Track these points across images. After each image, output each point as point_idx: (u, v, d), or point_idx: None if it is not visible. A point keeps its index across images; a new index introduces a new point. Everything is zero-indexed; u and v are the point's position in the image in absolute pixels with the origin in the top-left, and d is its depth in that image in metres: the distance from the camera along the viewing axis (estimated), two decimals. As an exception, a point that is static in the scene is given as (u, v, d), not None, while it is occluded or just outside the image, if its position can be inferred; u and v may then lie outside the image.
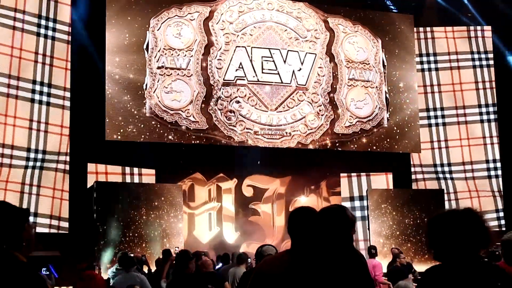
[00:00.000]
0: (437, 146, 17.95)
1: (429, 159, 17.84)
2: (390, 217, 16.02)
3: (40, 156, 14.17)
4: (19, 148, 13.88)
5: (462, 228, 3.08)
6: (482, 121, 18.02)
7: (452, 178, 17.82)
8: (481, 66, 18.19)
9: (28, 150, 14.00)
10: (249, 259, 11.43)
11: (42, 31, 14.43)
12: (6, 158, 13.70)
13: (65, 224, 14.36)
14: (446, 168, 17.81)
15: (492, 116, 18.04)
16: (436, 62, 18.19)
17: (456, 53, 18.20)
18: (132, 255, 11.30)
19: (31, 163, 14.00)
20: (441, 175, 17.83)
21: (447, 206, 17.24)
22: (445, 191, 17.48)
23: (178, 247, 13.48)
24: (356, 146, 16.74)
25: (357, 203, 16.93)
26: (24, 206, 13.57)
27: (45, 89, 14.35)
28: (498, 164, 17.94)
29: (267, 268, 3.83)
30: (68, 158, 14.46)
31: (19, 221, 3.29)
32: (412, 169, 17.86)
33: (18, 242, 3.24)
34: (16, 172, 13.82)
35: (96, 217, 13.71)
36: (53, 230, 14.12)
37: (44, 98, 14.32)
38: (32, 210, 13.78)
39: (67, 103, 14.58)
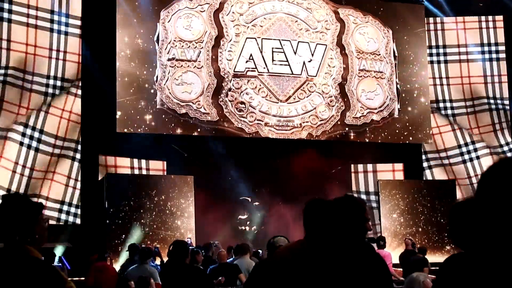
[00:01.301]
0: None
1: (440, 145, 17.74)
2: (401, 208, 16.00)
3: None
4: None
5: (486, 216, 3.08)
6: (491, 110, 17.87)
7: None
8: (490, 60, 18.03)
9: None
10: (260, 251, 11.45)
11: (55, 26, 14.50)
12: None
13: (77, 211, 14.44)
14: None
15: (500, 106, 17.90)
16: (445, 54, 18.07)
17: (466, 46, 18.07)
18: (143, 246, 11.35)
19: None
20: (453, 160, 17.72)
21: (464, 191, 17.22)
22: (466, 175, 17.43)
23: (189, 238, 13.54)
24: (367, 137, 16.69)
25: (367, 195, 16.93)
26: (37, 190, 13.78)
27: (59, 83, 14.44)
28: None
29: (280, 259, 3.83)
30: (79, 147, 14.54)
31: (33, 214, 3.33)
32: (424, 157, 17.78)
33: (31, 235, 3.27)
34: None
35: (107, 209, 13.77)
36: (63, 216, 14.20)
37: (57, 92, 14.42)
38: (45, 194, 13.95)
39: (79, 92, 14.65)
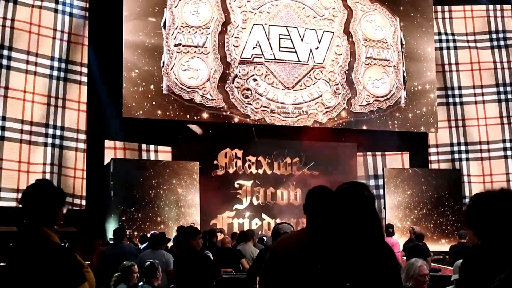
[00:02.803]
0: (455, 125, 17.85)
1: (446, 139, 17.76)
2: (406, 196, 16.02)
3: (58, 132, 14.28)
4: (37, 124, 13.99)
5: (505, 208, 3.13)
6: (499, 100, 17.88)
7: (467, 159, 17.72)
8: (499, 47, 18.02)
9: (47, 125, 14.12)
10: (265, 237, 11.47)
11: (60, 7, 14.49)
12: (26, 134, 13.82)
13: (83, 202, 14.50)
14: (462, 148, 17.71)
15: (510, 96, 17.90)
16: (454, 41, 18.04)
17: (474, 34, 18.04)
18: (155, 232, 11.42)
19: (50, 140, 14.12)
20: (456, 156, 17.74)
21: (466, 188, 17.25)
22: (465, 173, 17.51)
23: (194, 224, 13.58)
24: (373, 125, 16.66)
25: (372, 182, 16.97)
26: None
27: (63, 65, 14.44)
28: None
29: (283, 248, 3.84)
30: (84, 136, 14.57)
31: (60, 200, 3.45)
32: (429, 150, 17.79)
33: (54, 220, 3.40)
34: (37, 149, 13.95)
35: (113, 194, 13.82)
36: (71, 207, 14.27)
37: (62, 74, 14.42)
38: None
39: (84, 79, 14.68)
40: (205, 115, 15.28)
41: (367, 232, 3.18)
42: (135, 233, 13.43)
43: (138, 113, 14.75)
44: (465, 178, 17.53)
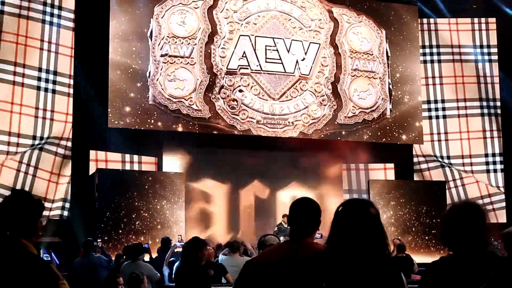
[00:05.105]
0: (437, 138, 17.90)
1: (430, 151, 17.82)
2: (391, 208, 16.07)
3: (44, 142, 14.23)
4: (25, 136, 13.91)
5: (476, 221, 3.20)
6: (482, 114, 17.96)
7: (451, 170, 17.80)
8: (483, 60, 18.10)
9: (34, 138, 14.04)
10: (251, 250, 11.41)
11: (48, 18, 14.45)
12: (13, 147, 13.74)
13: (59, 209, 14.35)
14: (446, 161, 17.79)
15: (492, 111, 17.97)
16: (439, 54, 18.12)
17: (459, 46, 18.12)
18: (134, 242, 11.35)
19: (36, 153, 14.08)
20: (446, 161, 17.79)
21: (453, 193, 17.28)
22: (451, 178, 17.51)
23: (181, 235, 13.54)
24: (358, 136, 16.70)
25: (357, 194, 16.98)
26: (19, 184, 13.70)
27: (51, 77, 14.38)
28: (498, 158, 17.86)
29: (266, 259, 3.85)
30: (69, 144, 14.49)
31: (38, 211, 3.45)
32: (415, 160, 17.81)
33: (32, 231, 3.39)
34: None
35: (97, 204, 13.77)
36: (45, 212, 14.15)
37: (50, 86, 14.36)
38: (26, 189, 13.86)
39: (72, 91, 14.63)
40: (191, 125, 15.25)
41: (372, 250, 3.17)
42: (117, 243, 13.36)
43: (123, 123, 14.70)
44: (458, 182, 17.56)
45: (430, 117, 17.93)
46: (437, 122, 17.95)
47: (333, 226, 3.25)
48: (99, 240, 12.55)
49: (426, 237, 15.99)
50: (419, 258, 13.65)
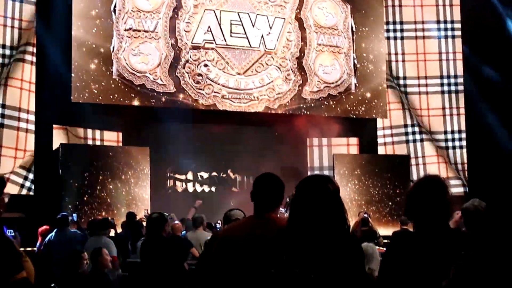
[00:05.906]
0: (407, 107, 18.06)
1: (400, 120, 17.94)
2: (355, 182, 16.24)
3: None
4: None
5: (438, 195, 3.29)
6: (443, 92, 18.11)
7: (422, 140, 17.95)
8: (446, 37, 18.20)
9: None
10: (217, 224, 11.48)
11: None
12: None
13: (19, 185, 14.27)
14: (416, 129, 17.93)
15: (453, 88, 18.11)
16: (402, 30, 18.17)
17: (422, 22, 18.18)
18: (99, 218, 11.36)
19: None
20: (410, 137, 17.94)
21: (414, 171, 17.49)
22: (414, 155, 17.73)
23: (147, 210, 13.54)
24: (323, 111, 16.78)
25: (321, 170, 17.11)
26: None
27: (14, 52, 14.24)
28: (457, 135, 18.03)
29: (231, 234, 3.89)
30: (31, 117, 14.35)
31: None
32: (381, 132, 17.92)
33: None
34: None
35: (61, 179, 13.67)
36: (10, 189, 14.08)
37: (7, 60, 14.20)
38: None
39: (32, 58, 14.47)
40: (154, 100, 15.17)
41: (332, 225, 3.22)
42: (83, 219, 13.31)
43: (87, 97, 14.56)
44: (413, 161, 17.76)
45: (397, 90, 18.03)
46: (401, 97, 18.06)
47: (293, 202, 3.31)
48: (74, 215, 12.47)
49: (391, 211, 16.16)
50: (383, 231, 13.82)
